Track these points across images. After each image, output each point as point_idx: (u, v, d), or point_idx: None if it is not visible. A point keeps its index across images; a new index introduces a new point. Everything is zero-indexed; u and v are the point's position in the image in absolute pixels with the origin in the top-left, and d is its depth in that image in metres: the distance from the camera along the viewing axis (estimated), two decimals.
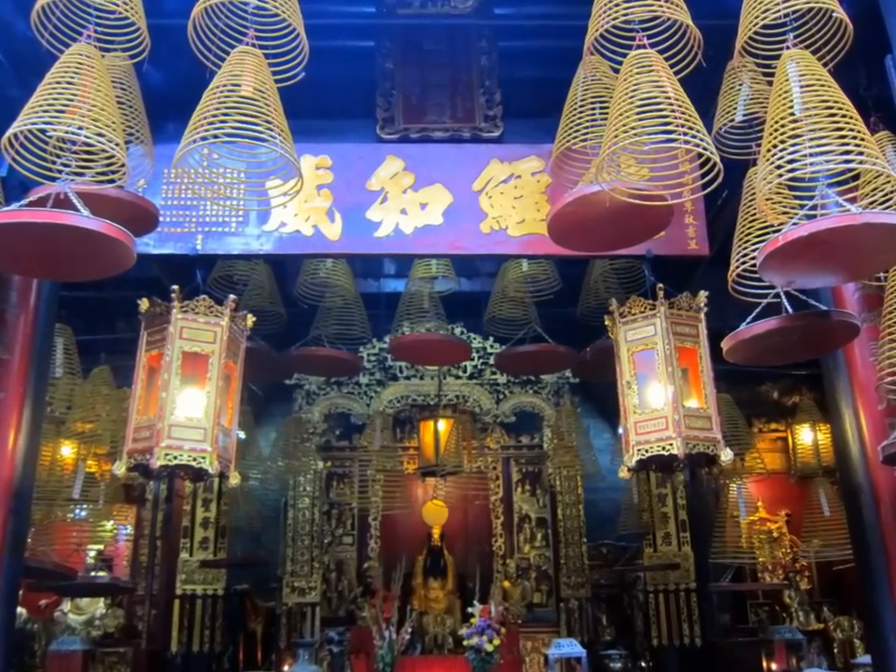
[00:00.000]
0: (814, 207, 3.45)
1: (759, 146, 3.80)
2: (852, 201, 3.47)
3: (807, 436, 9.46)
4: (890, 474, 4.60)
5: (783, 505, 9.38)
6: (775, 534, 9.24)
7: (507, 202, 5.47)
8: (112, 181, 3.81)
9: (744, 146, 4.40)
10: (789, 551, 9.21)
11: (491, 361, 9.13)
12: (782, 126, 3.43)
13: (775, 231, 3.65)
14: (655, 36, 3.82)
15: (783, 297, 4.09)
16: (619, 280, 6.63)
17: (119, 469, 4.47)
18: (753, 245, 4.04)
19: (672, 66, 3.78)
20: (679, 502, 8.89)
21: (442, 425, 8.50)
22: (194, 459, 4.35)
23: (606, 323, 5.00)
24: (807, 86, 3.47)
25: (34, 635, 8.21)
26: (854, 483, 4.82)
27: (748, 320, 4.13)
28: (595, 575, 9.12)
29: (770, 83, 3.74)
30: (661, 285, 4.80)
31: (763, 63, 3.88)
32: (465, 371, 9.45)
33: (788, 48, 3.65)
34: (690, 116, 3.56)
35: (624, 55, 3.85)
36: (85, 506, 6.94)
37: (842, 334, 4.33)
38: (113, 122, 3.59)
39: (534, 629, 8.66)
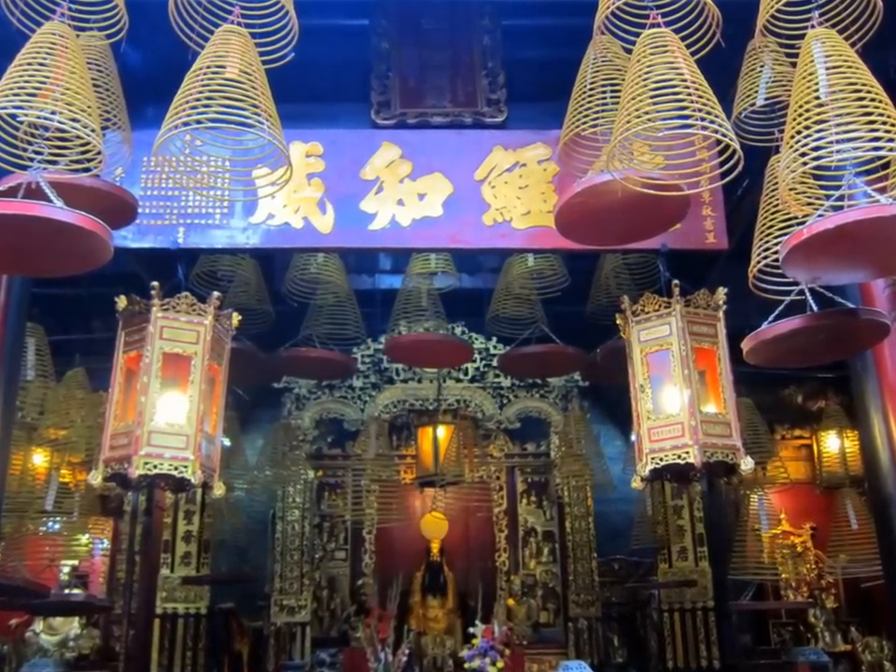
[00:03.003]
0: (841, 198, 3.45)
1: (781, 132, 3.81)
2: (882, 191, 3.47)
3: (834, 443, 9.47)
4: None
5: (808, 517, 9.39)
6: (799, 548, 9.24)
7: (511, 192, 5.48)
8: (87, 170, 3.82)
9: (766, 132, 4.41)
10: (814, 566, 9.21)
11: (494, 363, 9.12)
12: (807, 111, 3.43)
13: (799, 224, 3.66)
14: (670, 14, 3.82)
15: (808, 294, 4.10)
16: (631, 276, 6.65)
17: (95, 478, 4.47)
18: (776, 238, 4.04)
19: (688, 46, 3.78)
20: (696, 514, 8.88)
21: (442, 431, 8.49)
22: (175, 468, 4.36)
23: (617, 322, 5.01)
24: (834, 68, 3.48)
25: (3, 657, 8.19)
26: (884, 494, 4.83)
27: (769, 319, 4.14)
28: (606, 592, 9.10)
29: (794, 65, 3.74)
30: (676, 281, 4.81)
31: (786, 43, 3.89)
32: (466, 374, 9.44)
33: (813, 26, 3.65)
34: (707, 100, 3.56)
35: (637, 34, 3.85)
36: (58, 518, 6.96)
37: (871, 334, 4.34)
38: (88, 107, 3.59)
39: (540, 650, 8.64)
